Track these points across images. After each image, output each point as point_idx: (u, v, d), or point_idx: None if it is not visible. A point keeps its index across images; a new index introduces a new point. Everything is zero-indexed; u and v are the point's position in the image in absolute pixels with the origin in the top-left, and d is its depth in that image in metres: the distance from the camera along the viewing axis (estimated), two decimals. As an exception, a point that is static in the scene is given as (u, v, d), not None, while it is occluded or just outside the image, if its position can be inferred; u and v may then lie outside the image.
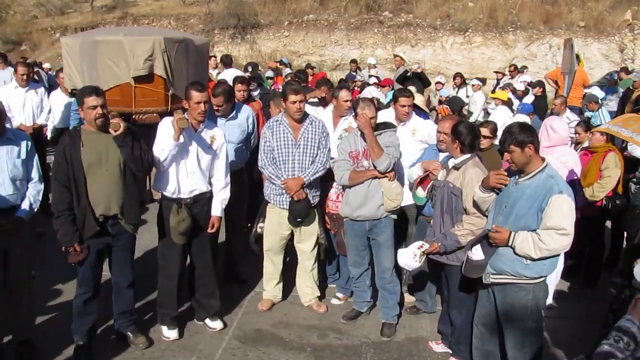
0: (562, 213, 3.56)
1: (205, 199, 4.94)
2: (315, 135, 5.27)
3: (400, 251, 4.55)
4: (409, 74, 12.70)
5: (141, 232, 5.04)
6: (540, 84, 12.52)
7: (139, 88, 5.41)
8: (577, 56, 12.56)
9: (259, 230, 5.52)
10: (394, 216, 5.13)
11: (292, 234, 5.54)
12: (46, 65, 17.00)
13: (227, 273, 6.15)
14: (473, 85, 12.86)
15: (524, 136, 3.70)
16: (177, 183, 4.78)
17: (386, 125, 5.13)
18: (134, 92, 5.40)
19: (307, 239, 5.48)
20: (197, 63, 6.04)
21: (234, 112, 5.86)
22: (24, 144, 4.52)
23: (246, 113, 6.04)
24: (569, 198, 3.59)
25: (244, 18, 22.75)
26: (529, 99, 12.11)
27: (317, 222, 5.43)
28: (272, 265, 5.59)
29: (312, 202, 5.29)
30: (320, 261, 5.71)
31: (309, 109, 6.47)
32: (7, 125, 4.75)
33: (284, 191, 5.24)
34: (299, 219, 5.30)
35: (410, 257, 4.41)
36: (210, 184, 4.99)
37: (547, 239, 3.59)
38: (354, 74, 15.36)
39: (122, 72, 5.38)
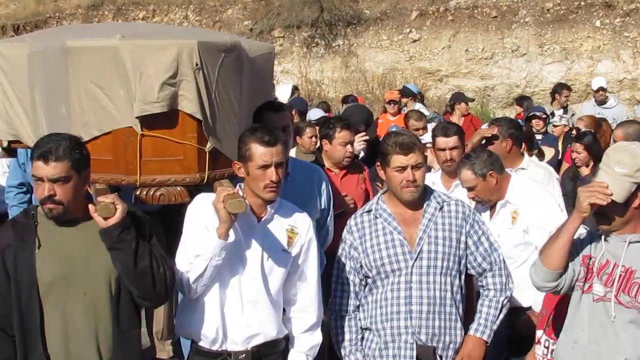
0: None
1: (276, 352, 4.66)
2: (452, 232, 4.87)
3: None
4: None
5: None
6: None
7: (150, 138, 5.12)
8: None
9: None
10: None
11: None
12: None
13: None
14: None
15: None
16: (222, 322, 4.50)
17: None
18: (139, 145, 5.11)
19: None
20: (257, 90, 5.82)
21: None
22: None
23: (312, 172, 5.93)
24: None
25: (332, 9, 20.81)
26: None
27: None
28: None
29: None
30: None
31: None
32: None
33: (388, 347, 4.90)
34: None
35: None
36: (286, 320, 4.74)
37: None
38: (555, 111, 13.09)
39: (117, 108, 5.08)
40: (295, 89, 13.72)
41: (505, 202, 5.94)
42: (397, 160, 4.78)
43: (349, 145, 6.82)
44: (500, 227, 5.76)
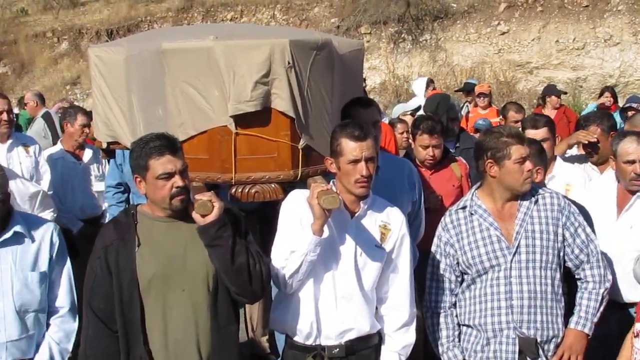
0: None
1: (369, 347, 4.60)
2: (549, 226, 4.82)
3: None
4: None
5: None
6: None
7: (245, 136, 5.21)
8: None
9: None
10: None
11: None
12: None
13: None
14: None
15: None
16: (316, 317, 4.49)
17: None
18: (234, 143, 5.20)
19: None
20: (348, 87, 5.78)
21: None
22: (44, 240, 4.45)
23: (402, 165, 5.93)
24: None
25: (419, 3, 20.43)
26: None
27: None
28: None
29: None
30: None
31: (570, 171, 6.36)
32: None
33: (490, 343, 4.86)
34: None
35: None
36: (378, 318, 4.67)
37: None
38: None
39: (212, 108, 5.17)
40: (430, 82, 13.09)
41: None
42: (518, 151, 4.76)
43: (429, 149, 6.76)
44: (636, 218, 5.53)
